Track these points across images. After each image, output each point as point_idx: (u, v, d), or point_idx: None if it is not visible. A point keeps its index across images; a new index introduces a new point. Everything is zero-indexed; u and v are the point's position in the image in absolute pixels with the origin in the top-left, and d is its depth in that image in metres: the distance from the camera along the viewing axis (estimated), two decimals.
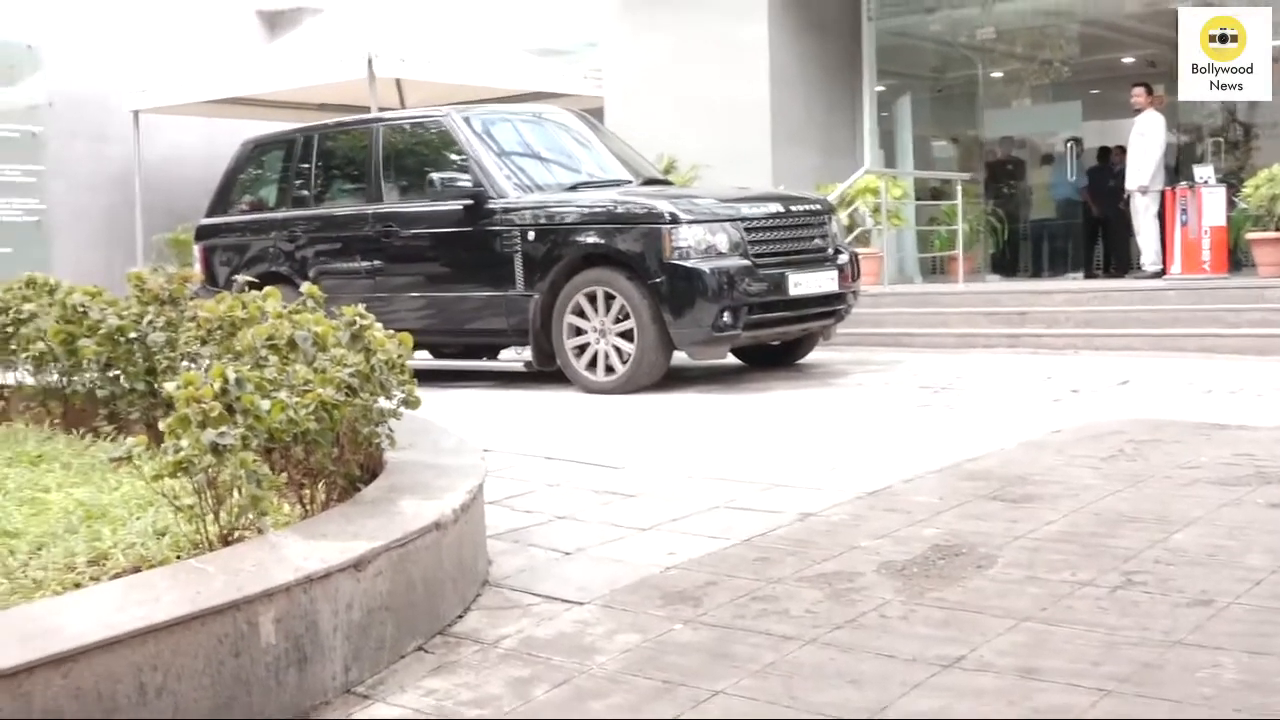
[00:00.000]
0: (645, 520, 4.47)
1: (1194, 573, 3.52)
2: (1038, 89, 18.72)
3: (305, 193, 10.47)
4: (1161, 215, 12.65)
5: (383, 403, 3.80)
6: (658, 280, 8.38)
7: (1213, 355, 9.49)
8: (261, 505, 3.14)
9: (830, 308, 9.20)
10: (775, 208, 8.96)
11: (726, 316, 8.38)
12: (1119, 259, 15.99)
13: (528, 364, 9.11)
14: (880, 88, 16.08)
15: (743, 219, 8.67)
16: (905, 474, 5.11)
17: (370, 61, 13.78)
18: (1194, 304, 10.66)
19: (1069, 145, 16.90)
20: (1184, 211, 11.97)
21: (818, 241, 9.16)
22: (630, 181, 9.65)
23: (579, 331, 8.73)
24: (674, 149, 13.80)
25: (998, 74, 18.11)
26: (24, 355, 5.36)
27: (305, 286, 4.34)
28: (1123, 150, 16.33)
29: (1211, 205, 11.85)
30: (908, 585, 3.51)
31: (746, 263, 8.50)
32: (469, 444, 4.60)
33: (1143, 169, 12.72)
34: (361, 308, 3.88)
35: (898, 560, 3.76)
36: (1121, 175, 16.04)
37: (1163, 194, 12.63)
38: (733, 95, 14.21)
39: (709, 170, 13.40)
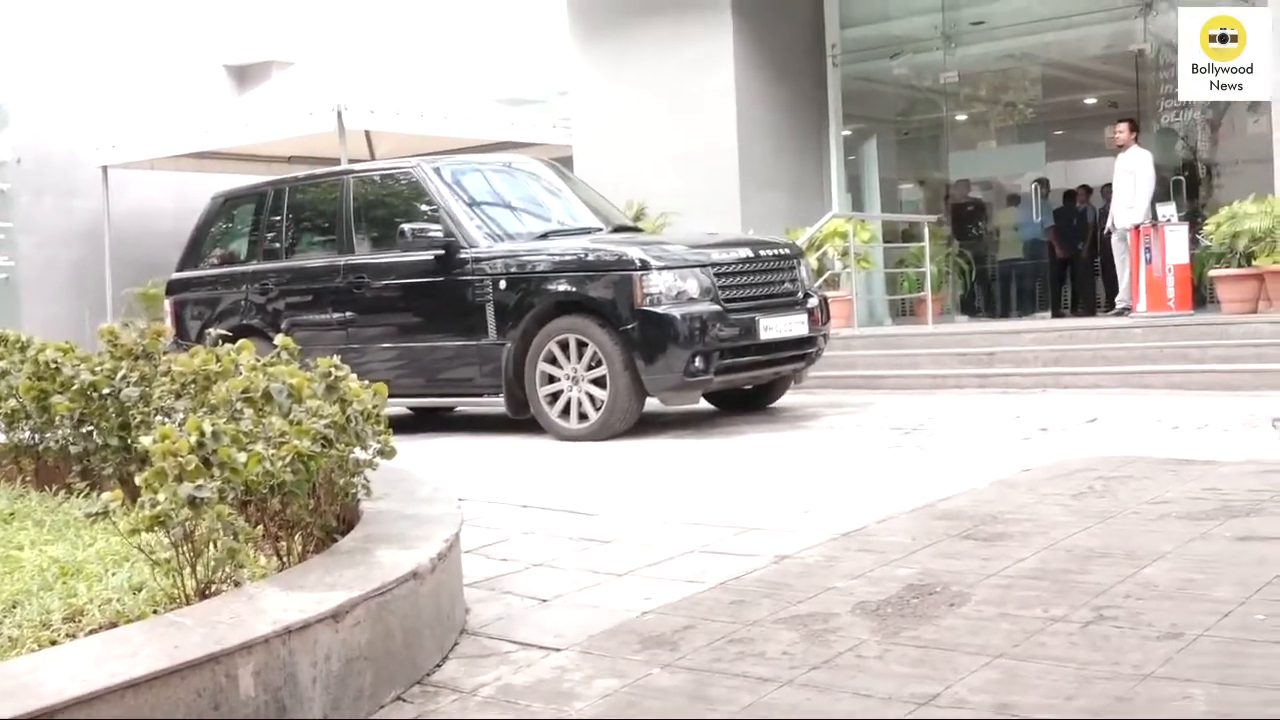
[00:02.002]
0: (621, 566, 4.49)
1: (1164, 606, 3.56)
2: (1002, 131, 18.92)
3: (276, 245, 10.48)
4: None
5: (359, 453, 3.82)
6: (629, 327, 8.41)
7: (1179, 392, 9.58)
8: (239, 558, 3.14)
9: (801, 351, 9.25)
10: (745, 253, 9.02)
11: (698, 362, 8.42)
12: (1086, 298, 16.14)
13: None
14: (847, 132, 16.25)
15: (713, 264, 8.73)
16: (878, 515, 5.14)
17: (339, 114, 13.83)
18: (1160, 341, 10.77)
19: (1034, 186, 17.07)
20: (1148, 250, 12.11)
21: (788, 285, 9.22)
22: (600, 229, 9.70)
23: (552, 379, 8.75)
24: (643, 196, 13.92)
25: (962, 117, 18.31)
26: None
27: (279, 339, 4.36)
28: (1088, 190, 16.54)
29: (1175, 243, 11.99)
30: (882, 625, 3.54)
31: (717, 308, 8.55)
32: (444, 493, 4.61)
33: (1137, 207, 12.49)
34: (335, 359, 3.90)
35: (872, 600, 3.79)
36: (1085, 215, 16.20)
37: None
38: (701, 142, 14.34)
39: (679, 216, 13.49)
